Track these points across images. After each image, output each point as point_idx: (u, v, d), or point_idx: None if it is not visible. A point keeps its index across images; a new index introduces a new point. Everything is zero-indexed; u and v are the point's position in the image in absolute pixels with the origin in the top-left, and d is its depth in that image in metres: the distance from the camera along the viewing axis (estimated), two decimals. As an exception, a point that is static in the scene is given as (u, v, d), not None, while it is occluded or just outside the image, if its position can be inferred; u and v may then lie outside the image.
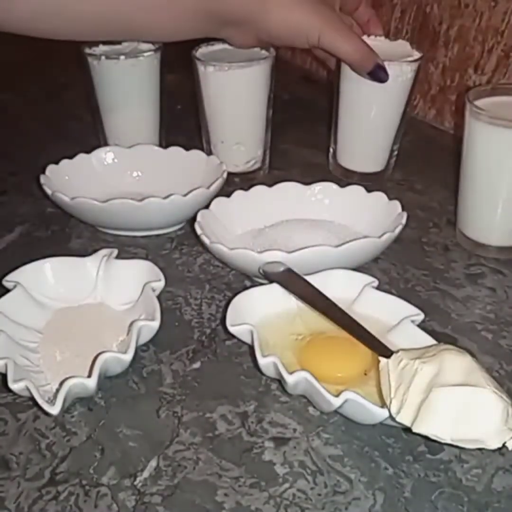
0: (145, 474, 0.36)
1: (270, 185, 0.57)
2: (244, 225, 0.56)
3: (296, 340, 0.43)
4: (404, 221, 0.50)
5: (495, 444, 0.32)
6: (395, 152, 0.65)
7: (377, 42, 0.62)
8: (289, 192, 0.57)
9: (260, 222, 0.56)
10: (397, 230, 0.49)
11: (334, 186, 0.57)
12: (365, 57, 0.56)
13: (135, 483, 0.36)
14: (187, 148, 0.63)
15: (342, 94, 0.63)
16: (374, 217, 0.54)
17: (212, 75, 0.61)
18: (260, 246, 0.52)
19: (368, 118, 0.62)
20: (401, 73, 0.59)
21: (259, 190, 0.57)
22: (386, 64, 0.57)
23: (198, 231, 0.50)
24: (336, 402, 0.35)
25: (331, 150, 0.67)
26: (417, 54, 0.60)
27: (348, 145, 0.65)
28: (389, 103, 0.61)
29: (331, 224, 0.55)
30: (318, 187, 0.57)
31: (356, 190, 0.56)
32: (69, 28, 0.53)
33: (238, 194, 0.56)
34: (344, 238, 0.51)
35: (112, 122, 0.69)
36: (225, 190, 0.56)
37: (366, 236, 0.51)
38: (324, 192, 0.57)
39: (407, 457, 0.37)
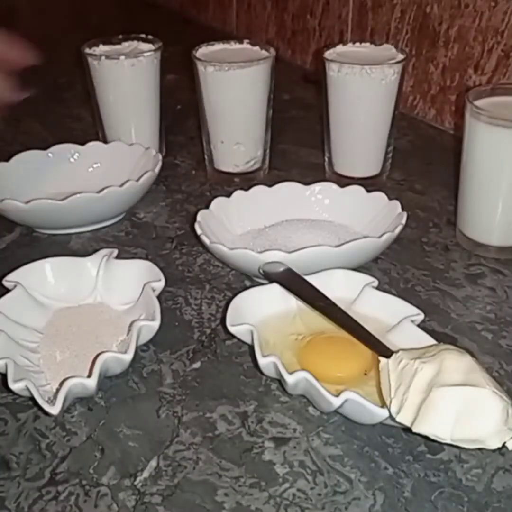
0: (145, 474, 0.36)
1: (270, 185, 0.57)
2: (244, 225, 0.56)
3: (296, 340, 0.43)
4: (404, 221, 0.50)
5: (495, 444, 0.32)
6: (390, 154, 0.65)
7: (362, 48, 0.64)
8: (289, 192, 0.57)
9: (260, 222, 0.56)
10: (397, 230, 0.49)
11: (334, 186, 0.57)
12: None
13: (135, 483, 0.36)
14: (187, 147, 0.63)
15: (330, 102, 0.63)
16: (374, 217, 0.54)
17: (212, 75, 0.61)
18: (260, 246, 0.52)
19: (358, 123, 0.62)
20: (384, 76, 0.59)
21: (259, 190, 0.57)
22: (368, 68, 0.58)
23: (198, 231, 0.50)
24: (336, 402, 0.35)
25: (326, 158, 0.67)
26: (400, 57, 0.61)
27: (341, 152, 0.65)
28: (376, 106, 0.62)
29: (331, 224, 0.55)
30: (318, 187, 0.57)
31: (356, 190, 0.56)
32: None
33: (238, 194, 0.56)
34: (344, 238, 0.51)
35: (112, 122, 0.69)
36: (225, 190, 0.56)
37: (366, 236, 0.51)
38: (324, 192, 0.57)
39: (407, 457, 0.37)
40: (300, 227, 0.54)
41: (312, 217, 0.56)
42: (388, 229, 0.50)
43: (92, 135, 0.72)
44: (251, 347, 0.41)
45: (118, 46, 0.68)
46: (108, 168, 0.62)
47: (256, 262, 0.47)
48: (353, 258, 0.48)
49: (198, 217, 0.52)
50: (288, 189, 0.57)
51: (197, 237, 0.50)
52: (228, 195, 0.55)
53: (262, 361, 0.38)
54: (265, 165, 0.68)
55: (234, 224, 0.55)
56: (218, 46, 0.65)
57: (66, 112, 0.84)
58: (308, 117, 0.81)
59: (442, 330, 0.46)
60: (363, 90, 0.60)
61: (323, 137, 0.66)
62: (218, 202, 0.55)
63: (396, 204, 0.53)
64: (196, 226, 0.51)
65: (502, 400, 0.33)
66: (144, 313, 0.45)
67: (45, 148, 0.63)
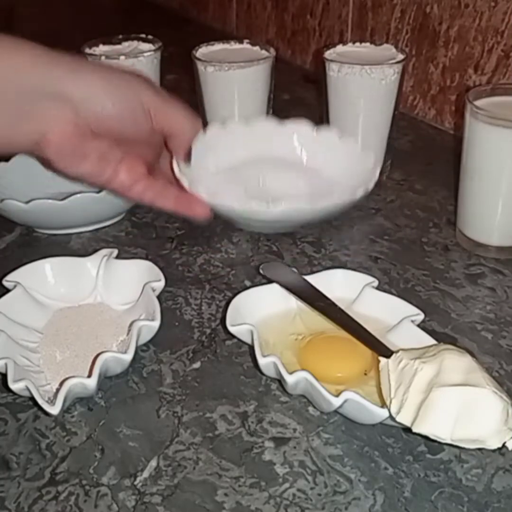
0: (145, 474, 0.36)
1: (246, 122, 0.59)
2: (218, 162, 0.57)
3: (296, 340, 0.43)
4: (376, 175, 0.52)
5: (495, 444, 0.32)
6: (390, 154, 0.65)
7: (362, 48, 0.64)
8: (265, 130, 0.58)
9: (233, 160, 0.57)
10: (371, 185, 0.51)
11: (308, 127, 0.58)
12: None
13: (135, 483, 0.36)
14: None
15: (330, 102, 0.63)
16: (346, 164, 0.55)
17: (212, 75, 0.61)
18: (233, 186, 0.54)
19: (358, 123, 0.62)
20: (384, 76, 0.59)
21: (235, 126, 0.58)
22: (368, 68, 0.58)
23: (176, 170, 0.51)
24: (336, 402, 0.35)
25: None
26: (400, 57, 0.60)
27: None
28: (376, 106, 0.62)
29: (304, 167, 0.57)
30: (293, 127, 0.58)
31: (329, 134, 0.57)
32: None
33: (214, 130, 0.57)
34: (317, 185, 0.54)
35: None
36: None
37: (337, 182, 0.54)
38: (298, 133, 0.59)
39: (407, 457, 0.37)
40: (273, 168, 0.55)
41: (286, 157, 0.57)
42: (360, 178, 0.51)
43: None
44: (251, 347, 0.41)
45: (118, 46, 0.68)
46: None
47: (235, 213, 0.50)
48: (327, 214, 0.52)
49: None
50: (263, 127, 0.58)
51: (197, 237, 0.50)
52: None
53: (262, 361, 0.38)
54: (265, 165, 0.68)
55: (209, 161, 0.56)
56: (218, 46, 0.65)
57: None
58: (308, 117, 0.81)
59: (442, 330, 0.46)
60: (363, 90, 0.60)
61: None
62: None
63: (369, 155, 0.54)
64: (174, 164, 0.52)
65: (502, 400, 0.33)
66: (144, 313, 0.45)
67: None
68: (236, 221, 0.51)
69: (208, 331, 0.47)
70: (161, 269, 0.47)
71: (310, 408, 0.40)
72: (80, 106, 0.44)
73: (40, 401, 0.37)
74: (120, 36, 0.69)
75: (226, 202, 0.49)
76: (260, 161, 0.56)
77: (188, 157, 0.52)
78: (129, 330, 0.44)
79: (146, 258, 0.52)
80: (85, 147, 0.46)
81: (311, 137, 0.57)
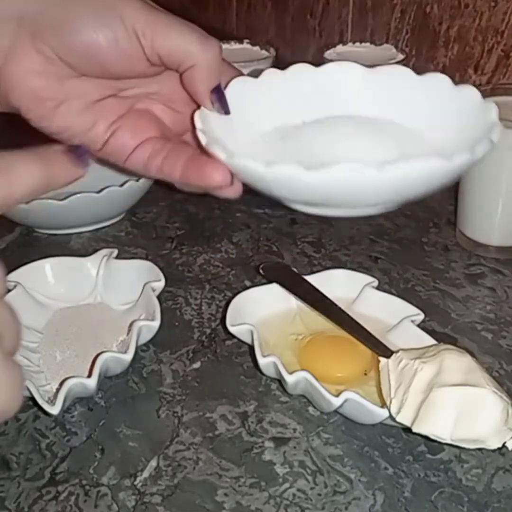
0: (145, 474, 0.36)
1: (317, 64, 0.41)
2: (274, 119, 0.40)
3: (296, 340, 0.43)
4: (496, 134, 0.35)
5: (495, 444, 0.32)
6: None
7: (362, 48, 0.63)
8: (340, 76, 0.40)
9: (296, 116, 0.40)
10: (480, 151, 0.34)
11: (406, 71, 0.40)
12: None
13: (135, 483, 0.36)
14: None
15: None
16: (458, 122, 0.37)
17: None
18: (287, 152, 0.37)
19: None
20: None
21: (299, 71, 0.40)
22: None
23: (198, 125, 0.36)
24: (336, 402, 0.35)
25: None
26: (400, 57, 0.60)
27: None
28: None
29: (395, 128, 0.39)
30: (383, 72, 0.40)
31: (438, 80, 0.39)
32: None
33: (270, 74, 0.40)
34: (411, 152, 0.36)
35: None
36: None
37: (440, 151, 0.35)
38: (389, 82, 0.40)
39: (407, 457, 0.37)
40: (351, 129, 0.38)
41: (370, 114, 0.39)
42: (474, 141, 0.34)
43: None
44: (251, 347, 0.41)
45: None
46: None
47: (260, 176, 0.33)
48: (409, 187, 0.33)
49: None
50: (340, 72, 0.40)
51: (197, 237, 0.50)
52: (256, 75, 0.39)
53: (262, 361, 0.38)
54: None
55: (259, 116, 0.39)
56: (218, 46, 0.65)
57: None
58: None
59: (442, 330, 0.46)
60: None
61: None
62: (238, 83, 0.38)
63: (490, 107, 0.36)
64: (196, 118, 0.36)
65: (502, 400, 0.33)
66: (144, 313, 0.45)
67: None
68: (268, 193, 0.34)
69: (208, 331, 0.47)
70: (161, 269, 0.47)
71: (310, 408, 0.40)
72: (38, 26, 0.34)
73: (40, 401, 0.37)
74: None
75: (249, 164, 0.32)
76: (332, 120, 0.39)
77: (220, 100, 0.36)
78: (129, 330, 0.44)
79: (146, 258, 0.52)
80: (61, 87, 0.35)
81: (408, 87, 0.39)
